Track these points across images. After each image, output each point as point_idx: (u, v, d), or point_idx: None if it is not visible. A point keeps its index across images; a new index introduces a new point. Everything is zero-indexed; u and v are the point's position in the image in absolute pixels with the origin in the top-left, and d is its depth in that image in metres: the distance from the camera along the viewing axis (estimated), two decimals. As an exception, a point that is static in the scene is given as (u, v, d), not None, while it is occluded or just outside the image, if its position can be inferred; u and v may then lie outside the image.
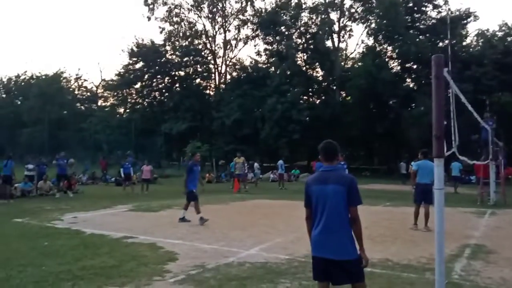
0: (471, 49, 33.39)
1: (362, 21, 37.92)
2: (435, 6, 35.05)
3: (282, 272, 5.34)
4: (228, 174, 24.70)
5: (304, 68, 39.99)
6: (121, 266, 5.52)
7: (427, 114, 23.15)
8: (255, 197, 15.94)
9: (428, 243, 6.78)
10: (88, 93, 54.22)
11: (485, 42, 32.48)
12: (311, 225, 3.37)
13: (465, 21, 34.16)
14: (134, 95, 45.55)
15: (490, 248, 6.89)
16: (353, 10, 38.38)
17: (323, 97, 41.02)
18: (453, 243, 6.97)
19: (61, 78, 51.56)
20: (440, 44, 33.15)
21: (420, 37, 33.95)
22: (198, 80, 44.65)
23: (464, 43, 34.23)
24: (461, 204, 12.97)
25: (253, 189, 19.80)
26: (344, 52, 42.67)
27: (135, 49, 42.31)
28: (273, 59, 39.35)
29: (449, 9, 34.43)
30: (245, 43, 43.16)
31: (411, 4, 35.17)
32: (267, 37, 40.31)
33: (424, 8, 35.45)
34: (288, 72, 36.44)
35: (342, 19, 39.05)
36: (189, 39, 42.69)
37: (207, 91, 45.31)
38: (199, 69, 43.75)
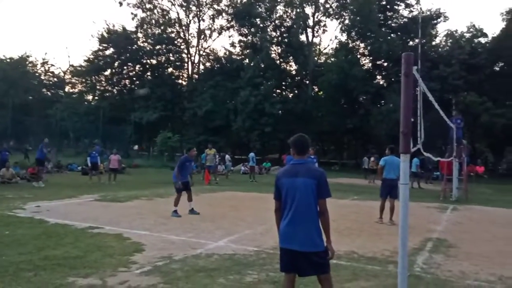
0: (439, 49, 34.35)
1: (336, 17, 38.31)
2: (407, 5, 35.83)
3: (250, 263, 5.36)
4: (199, 166, 24.53)
5: (278, 62, 40.07)
6: (86, 257, 5.39)
7: (395, 111, 23.73)
8: (225, 189, 15.92)
9: (392, 236, 6.98)
10: (55, 79, 52.40)
11: (453, 42, 33.48)
12: (280, 217, 3.39)
13: (435, 21, 35.10)
14: (103, 82, 44.37)
15: (451, 242, 7.14)
16: (327, 6, 38.70)
17: (296, 91, 41.30)
18: (416, 237, 7.19)
19: (27, 62, 49.61)
20: (411, 43, 33.96)
21: (392, 35, 34.67)
22: (170, 69, 43.96)
23: (433, 43, 35.16)
24: (425, 199, 13.41)
25: (223, 181, 19.77)
26: (318, 47, 43.09)
27: (105, 35, 41.16)
28: (247, 51, 39.21)
29: (420, 8, 35.28)
30: (220, 33, 42.81)
31: (384, 2, 35.77)
32: (242, 29, 40.12)
33: (396, 7, 36.15)
34: (262, 65, 36.43)
35: (316, 14, 39.34)
36: (162, 27, 41.87)
37: (180, 81, 44.71)
38: (172, 58, 43.05)
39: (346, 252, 6.04)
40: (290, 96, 40.94)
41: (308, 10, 38.97)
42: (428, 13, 34.73)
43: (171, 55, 42.69)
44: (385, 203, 8.82)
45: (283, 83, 41.16)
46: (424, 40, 32.54)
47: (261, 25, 39.13)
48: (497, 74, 31.58)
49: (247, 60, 38.44)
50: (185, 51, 43.29)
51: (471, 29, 33.74)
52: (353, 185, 19.81)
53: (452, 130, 14.15)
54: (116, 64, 41.90)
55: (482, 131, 29.49)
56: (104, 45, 41.40)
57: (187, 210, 9.23)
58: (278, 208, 3.42)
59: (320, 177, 3.29)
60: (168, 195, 11.51)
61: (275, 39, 39.58)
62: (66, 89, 50.50)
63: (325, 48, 43.12)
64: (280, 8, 39.36)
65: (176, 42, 42.44)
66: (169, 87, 40.62)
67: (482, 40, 33.14)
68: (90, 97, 47.68)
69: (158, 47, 41.37)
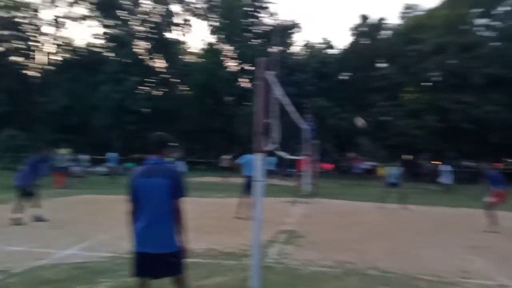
0: (296, 57, 37.39)
1: (204, 18, 38.65)
2: (269, 14, 38.05)
3: (103, 270, 5.06)
4: (51, 167, 22.14)
5: (143, 58, 38.64)
6: None
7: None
8: (80, 192, 14.65)
9: (250, 231, 7.32)
10: None
11: (308, 52, 36.83)
12: (134, 220, 3.28)
13: (291, 31, 38.04)
14: None
15: (301, 233, 7.83)
16: (196, 6, 38.78)
17: (163, 89, 40.42)
18: (271, 230, 7.68)
19: None
20: (271, 49, 36.21)
21: (255, 40, 36.46)
22: (17, 58, 38.66)
23: (291, 51, 38.10)
24: (280, 195, 14.39)
25: (79, 184, 18.17)
26: (186, 46, 42.83)
27: None
28: (111, 44, 36.92)
29: (279, 18, 37.90)
30: (79, 23, 39.25)
31: (248, 9, 37.35)
32: (105, 20, 37.56)
33: (258, 14, 38.09)
34: (127, 60, 34.72)
35: (185, 13, 39.09)
36: (9, 11, 36.56)
37: (29, 72, 39.66)
38: (20, 46, 37.92)
39: (205, 249, 6.13)
40: (156, 94, 39.87)
41: (177, 8, 38.56)
42: (286, 23, 37.50)
43: (19, 42, 37.55)
44: (245, 199, 9.20)
45: (149, 80, 39.86)
46: (283, 48, 35.08)
47: (127, 18, 37.25)
48: (343, 83, 35.85)
49: (110, 54, 36.18)
50: (37, 39, 38.57)
51: (323, 41, 37.63)
52: (217, 183, 20.28)
53: (305, 131, 15.60)
54: None
55: (330, 133, 33.06)
56: None
57: (33, 217, 8.25)
58: (132, 210, 3.32)
59: (175, 176, 3.27)
60: (7, 201, 10.10)
61: (142, 34, 38.07)
62: None
63: (193, 48, 43.14)
64: (147, 3, 38.01)
65: (25, 28, 37.52)
66: (16, 78, 35.75)
67: (333, 51, 37.21)
68: None
69: (3, 32, 36.04)
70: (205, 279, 4.77)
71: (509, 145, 27.54)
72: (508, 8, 30.54)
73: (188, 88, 38.48)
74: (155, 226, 3.18)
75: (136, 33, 37.15)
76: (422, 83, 32.73)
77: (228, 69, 36.17)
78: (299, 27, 38.02)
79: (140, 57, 37.54)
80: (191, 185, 17.24)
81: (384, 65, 34.25)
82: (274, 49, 31.92)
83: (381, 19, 35.15)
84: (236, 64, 37.55)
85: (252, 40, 36.24)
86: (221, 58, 36.31)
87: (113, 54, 35.72)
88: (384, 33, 35.42)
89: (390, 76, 31.37)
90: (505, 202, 9.23)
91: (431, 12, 33.13)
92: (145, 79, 37.66)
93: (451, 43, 29.10)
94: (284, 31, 35.95)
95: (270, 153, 6.50)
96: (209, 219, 9.06)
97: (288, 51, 37.04)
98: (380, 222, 9.76)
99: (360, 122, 10.69)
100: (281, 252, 6.28)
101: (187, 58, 40.80)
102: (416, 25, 32.88)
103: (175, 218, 3.25)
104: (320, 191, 16.06)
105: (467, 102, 27.29)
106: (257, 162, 4.94)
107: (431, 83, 32.47)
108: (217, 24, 36.79)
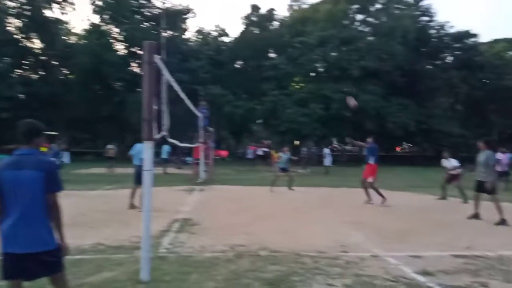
0: (190, 43, 36.81)
1: (88, -4, 35.71)
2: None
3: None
4: None
5: (17, 37, 34.39)
6: None
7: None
8: None
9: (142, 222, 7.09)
10: None
11: (202, 39, 36.53)
12: (2, 217, 2.94)
13: (184, 16, 37.26)
14: None
15: (195, 221, 7.81)
16: (77, -18, 35.69)
17: (42, 73, 36.59)
18: (165, 219, 7.55)
19: None
20: (164, 34, 35.03)
21: (146, 23, 34.90)
22: None
23: (185, 37, 37.35)
24: (176, 183, 14.23)
25: None
26: (68, 25, 39.19)
27: None
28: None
29: (170, 2, 36.81)
30: None
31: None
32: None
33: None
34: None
35: (65, -11, 35.57)
36: None
37: None
38: None
39: (91, 245, 5.76)
40: (34, 77, 35.93)
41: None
42: (179, 7, 36.60)
43: None
44: (137, 189, 8.88)
45: (25, 62, 35.74)
46: (176, 33, 34.22)
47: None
48: (237, 71, 36.43)
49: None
50: None
51: (217, 29, 37.63)
52: (108, 174, 19.22)
53: (199, 119, 15.54)
54: None
55: (225, 120, 33.52)
56: None
57: None
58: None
59: (49, 169, 3.00)
60: None
61: (14, 10, 33.73)
62: None
63: (75, 28, 39.69)
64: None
65: None
66: None
67: (226, 39, 37.43)
68: None
69: None
70: (91, 276, 4.49)
71: (382, 131, 30.94)
72: (380, 6, 33.97)
73: (72, 72, 35.41)
74: (26, 224, 2.89)
75: (8, 8, 32.85)
76: (309, 74, 34.85)
77: (116, 53, 34.11)
78: (193, 13, 37.44)
79: (15, 36, 33.37)
80: (79, 178, 16.09)
81: (274, 55, 35.62)
82: (165, 33, 30.96)
83: (271, 10, 36.40)
84: (125, 47, 35.61)
85: (144, 23, 34.59)
86: (110, 40, 34.05)
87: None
88: (274, 24, 36.74)
89: (279, 66, 32.76)
90: (376, 176, 10.34)
91: (315, 6, 35.28)
92: (21, 61, 33.70)
93: (332, 36, 31.41)
94: (177, 16, 35.05)
95: (164, 142, 6.35)
96: (98, 212, 8.53)
97: (182, 36, 36.22)
98: (270, 205, 10.25)
99: (351, 101, 10.42)
100: (175, 241, 6.19)
101: (71, 40, 37.48)
102: (302, 18, 34.74)
103: (51, 214, 2.99)
104: (215, 177, 16.22)
105: (346, 91, 29.87)
106: (145, 151, 4.78)
107: (315, 74, 34.76)
108: (102, 3, 34.24)
